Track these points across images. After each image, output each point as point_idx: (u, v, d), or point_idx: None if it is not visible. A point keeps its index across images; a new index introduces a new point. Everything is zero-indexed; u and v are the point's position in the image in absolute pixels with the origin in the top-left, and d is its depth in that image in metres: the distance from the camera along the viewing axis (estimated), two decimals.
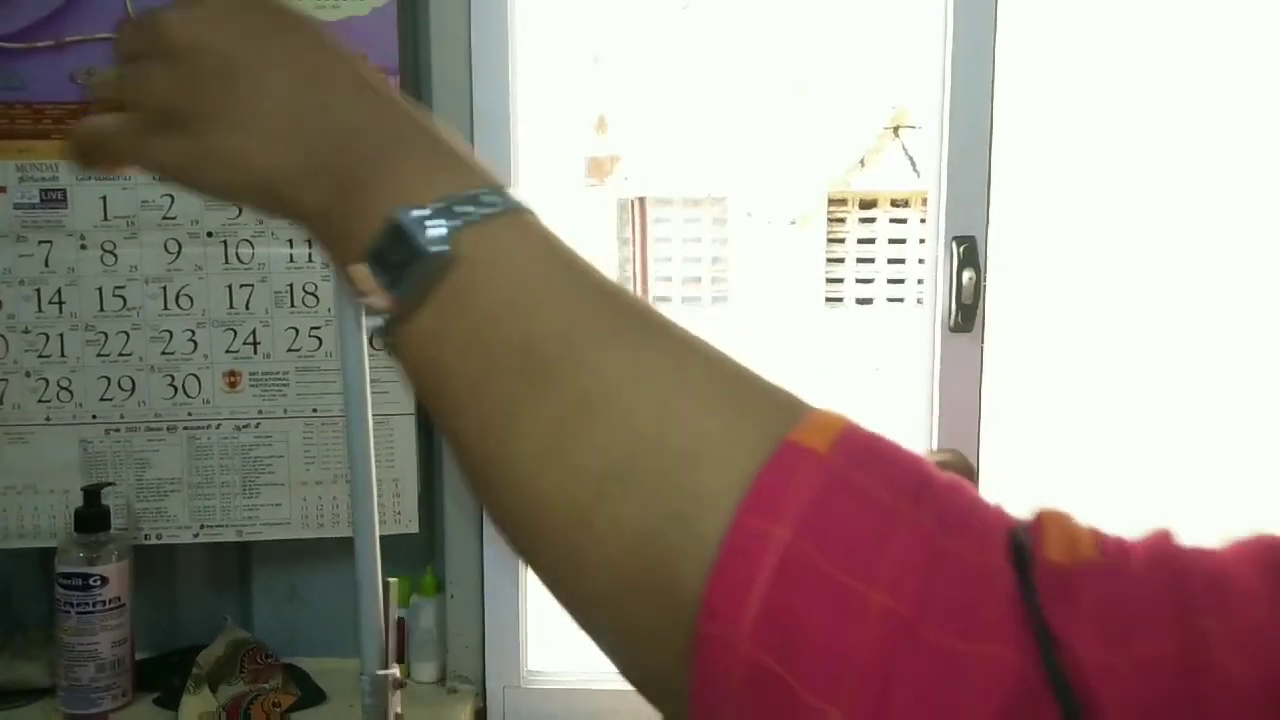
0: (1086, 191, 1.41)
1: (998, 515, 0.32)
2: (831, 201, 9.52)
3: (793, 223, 9.35)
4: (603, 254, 9.05)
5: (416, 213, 0.36)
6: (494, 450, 0.35)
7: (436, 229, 0.36)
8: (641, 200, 5.72)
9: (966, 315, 1.41)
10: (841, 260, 9.56)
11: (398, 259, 0.36)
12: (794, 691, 0.28)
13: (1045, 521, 0.31)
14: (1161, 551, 0.29)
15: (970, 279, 1.40)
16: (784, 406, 0.34)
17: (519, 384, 0.35)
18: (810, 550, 0.29)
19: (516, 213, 0.38)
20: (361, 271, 0.37)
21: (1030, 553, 0.30)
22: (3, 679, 1.31)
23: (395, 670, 0.89)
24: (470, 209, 0.37)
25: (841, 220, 9.57)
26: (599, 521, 0.33)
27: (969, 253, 1.40)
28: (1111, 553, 0.30)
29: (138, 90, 0.42)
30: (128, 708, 1.29)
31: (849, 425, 0.33)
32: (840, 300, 9.56)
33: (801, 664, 0.28)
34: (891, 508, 0.30)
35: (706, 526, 0.31)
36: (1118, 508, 1.47)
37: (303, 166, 0.39)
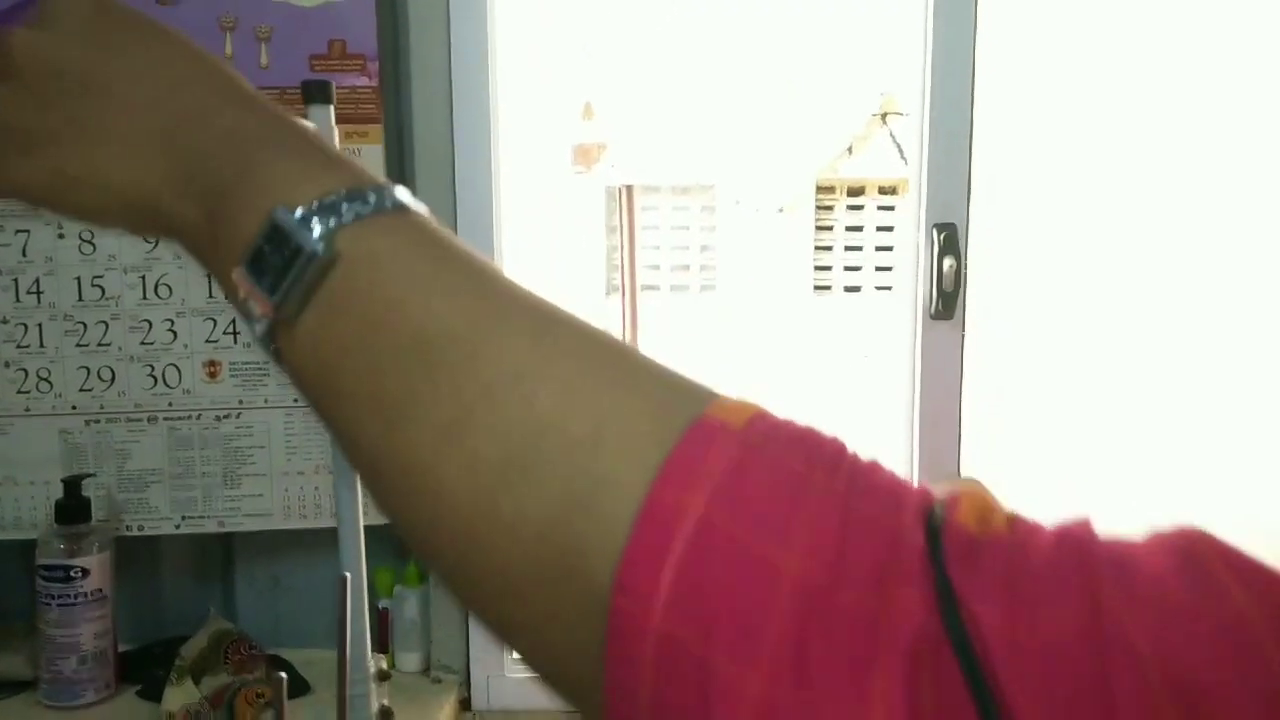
0: (1069, 179, 1.41)
1: (919, 491, 0.32)
2: (819, 189, 9.51)
3: (780, 210, 9.34)
4: (590, 241, 9.03)
5: (295, 212, 0.36)
6: (390, 447, 0.35)
7: (315, 228, 0.35)
8: (629, 188, 5.71)
9: (947, 303, 1.42)
10: (829, 248, 9.56)
11: (277, 261, 0.35)
12: (709, 662, 0.28)
13: (962, 495, 0.32)
14: (1073, 534, 0.29)
15: (951, 266, 1.41)
16: (693, 393, 0.34)
17: (413, 378, 0.34)
18: (724, 518, 0.29)
19: (398, 210, 0.37)
20: (240, 277, 0.36)
21: (942, 520, 0.30)
22: None
23: (380, 661, 0.89)
24: (348, 206, 0.36)
25: (829, 208, 9.57)
26: (503, 510, 0.32)
27: (949, 240, 1.41)
28: (1021, 531, 0.30)
29: None
30: (110, 700, 1.29)
31: (762, 409, 0.33)
32: (828, 288, 9.57)
33: (717, 631, 0.28)
34: (805, 476, 0.30)
35: (615, 509, 0.31)
36: (1098, 493, 1.48)
37: (170, 177, 0.39)
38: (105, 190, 0.39)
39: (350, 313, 0.35)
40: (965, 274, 1.42)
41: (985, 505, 0.31)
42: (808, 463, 0.31)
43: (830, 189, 9.49)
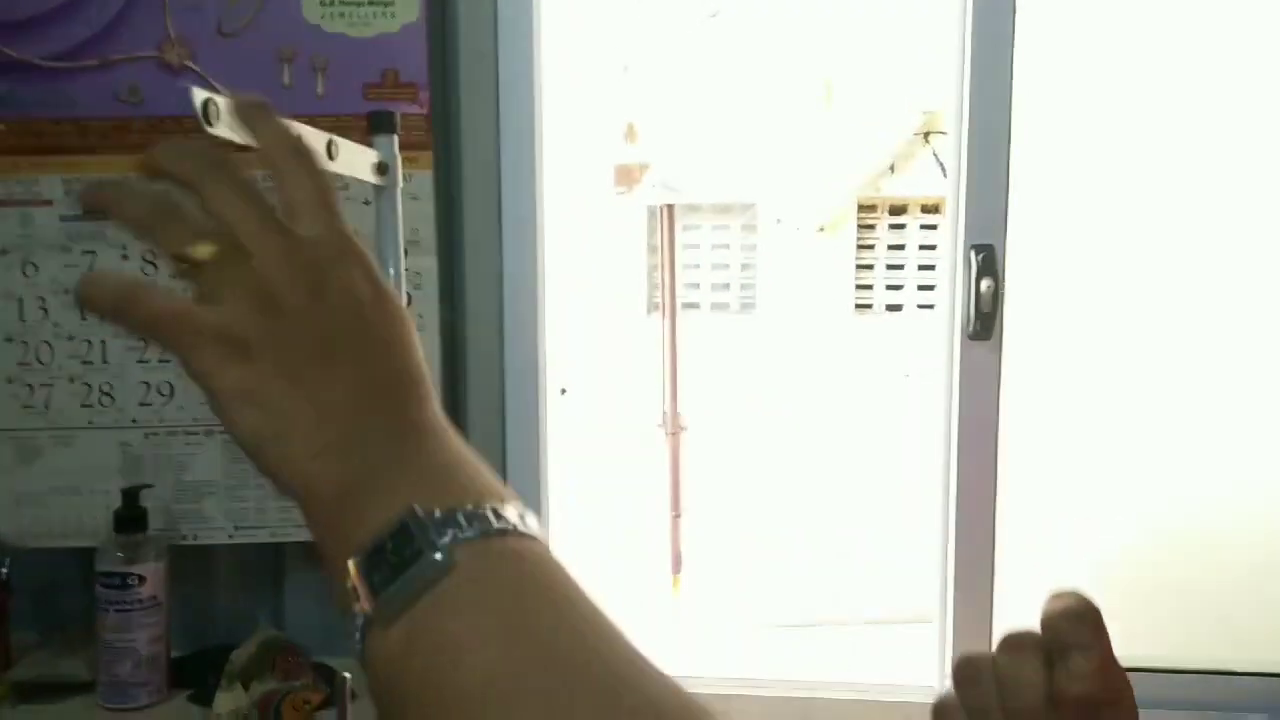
0: (1108, 201, 1.42)
1: None
2: (861, 208, 9.49)
3: (821, 229, 9.33)
4: (631, 260, 9.08)
5: (427, 520, 0.37)
6: None
7: (440, 541, 0.36)
8: (669, 207, 5.75)
9: (985, 323, 1.43)
10: (871, 267, 9.53)
11: (393, 563, 0.36)
12: None
13: None
14: None
15: (989, 287, 1.42)
16: None
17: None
18: None
19: (519, 535, 0.38)
20: (355, 567, 0.37)
21: None
22: (45, 674, 1.36)
23: None
24: (476, 523, 0.37)
25: (871, 226, 9.55)
26: None
27: (987, 261, 1.42)
28: None
29: (266, 269, 0.40)
30: (163, 704, 1.34)
31: None
32: (870, 307, 9.53)
33: None
34: None
35: None
36: (1135, 514, 1.48)
37: (339, 442, 0.40)
38: (280, 426, 0.40)
39: (433, 635, 0.36)
40: (1003, 295, 1.43)
41: None
42: None
43: (872, 207, 9.46)
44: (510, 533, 0.37)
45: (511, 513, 0.38)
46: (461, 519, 0.37)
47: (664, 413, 5.50)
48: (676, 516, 5.18)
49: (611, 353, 8.24)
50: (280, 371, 0.40)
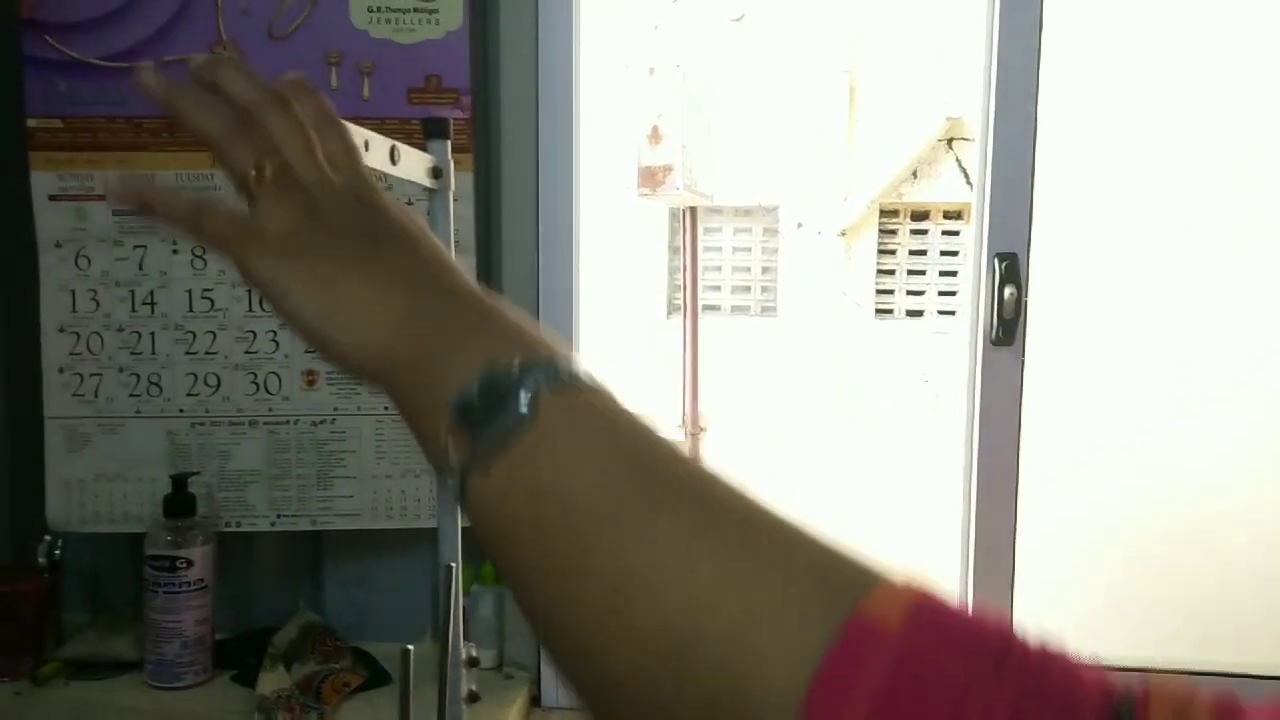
0: (1133, 209, 1.44)
1: (1098, 688, 0.30)
2: (883, 213, 9.49)
3: (843, 234, 9.34)
4: (653, 262, 9.12)
5: (509, 369, 0.39)
6: (558, 610, 0.37)
7: (523, 389, 0.38)
8: (693, 210, 5.78)
9: (1007, 330, 1.46)
10: (892, 272, 9.53)
11: (483, 412, 0.39)
12: None
13: (1153, 695, 0.29)
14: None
15: (1011, 295, 1.45)
16: (853, 576, 0.34)
17: (581, 553, 0.36)
18: None
19: (592, 388, 0.40)
20: (450, 418, 0.39)
21: None
22: (95, 652, 1.41)
23: (470, 649, 0.96)
24: (549, 373, 0.39)
25: (893, 232, 9.55)
26: (663, 691, 0.33)
27: (1011, 269, 1.45)
28: None
29: (311, 185, 0.47)
30: (208, 683, 1.39)
31: (921, 597, 0.33)
32: (890, 312, 9.53)
33: None
34: (967, 687, 0.30)
35: (774, 703, 0.31)
36: (1159, 518, 1.51)
37: (407, 311, 0.43)
38: (349, 307, 0.44)
39: (529, 475, 0.38)
40: (1026, 302, 1.46)
41: (1183, 704, 0.29)
42: (969, 667, 0.30)
43: (894, 213, 9.47)
44: (583, 382, 0.40)
45: (581, 365, 0.41)
46: (540, 368, 0.39)
47: (684, 414, 5.53)
48: None
49: (633, 354, 8.28)
50: (334, 259, 0.45)
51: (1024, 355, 1.46)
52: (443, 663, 0.93)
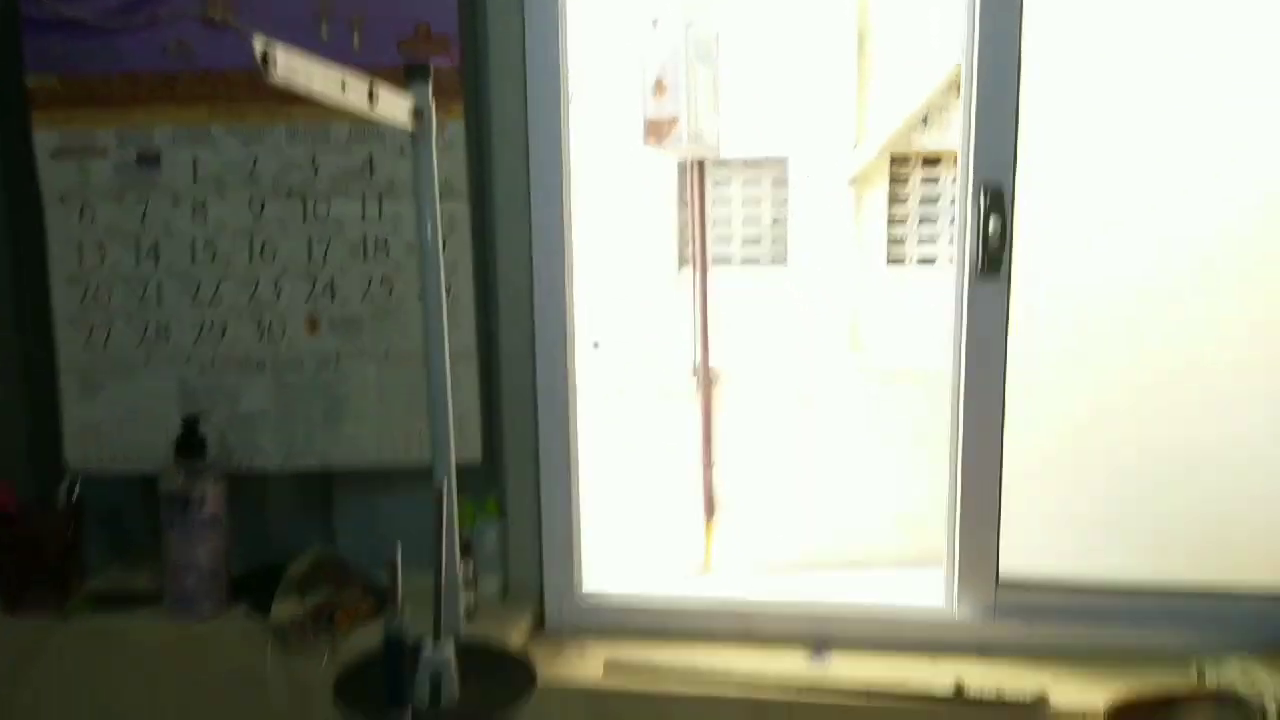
0: (1119, 141, 1.46)
1: None
2: (894, 160, 9.43)
3: (853, 182, 9.30)
4: (663, 215, 9.12)
5: None
6: None
7: None
8: (700, 162, 5.78)
9: (993, 260, 1.49)
10: (904, 220, 9.49)
11: None
12: None
13: None
14: None
15: (996, 225, 1.47)
16: None
17: None
18: None
19: None
20: None
21: None
22: (116, 587, 1.48)
23: (468, 569, 1.02)
24: None
25: (904, 179, 9.49)
26: None
27: (996, 200, 1.47)
28: None
29: None
30: (225, 615, 1.45)
31: None
32: (902, 260, 9.50)
33: None
34: None
35: None
36: (1136, 446, 1.54)
37: None
38: None
39: None
40: (1012, 233, 1.48)
41: None
42: None
43: (905, 160, 9.41)
44: None
45: None
46: None
47: (695, 365, 5.57)
48: (709, 466, 5.27)
49: (645, 307, 8.31)
50: None
51: (1010, 286, 1.48)
52: (437, 577, 0.98)
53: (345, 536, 1.58)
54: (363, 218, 1.50)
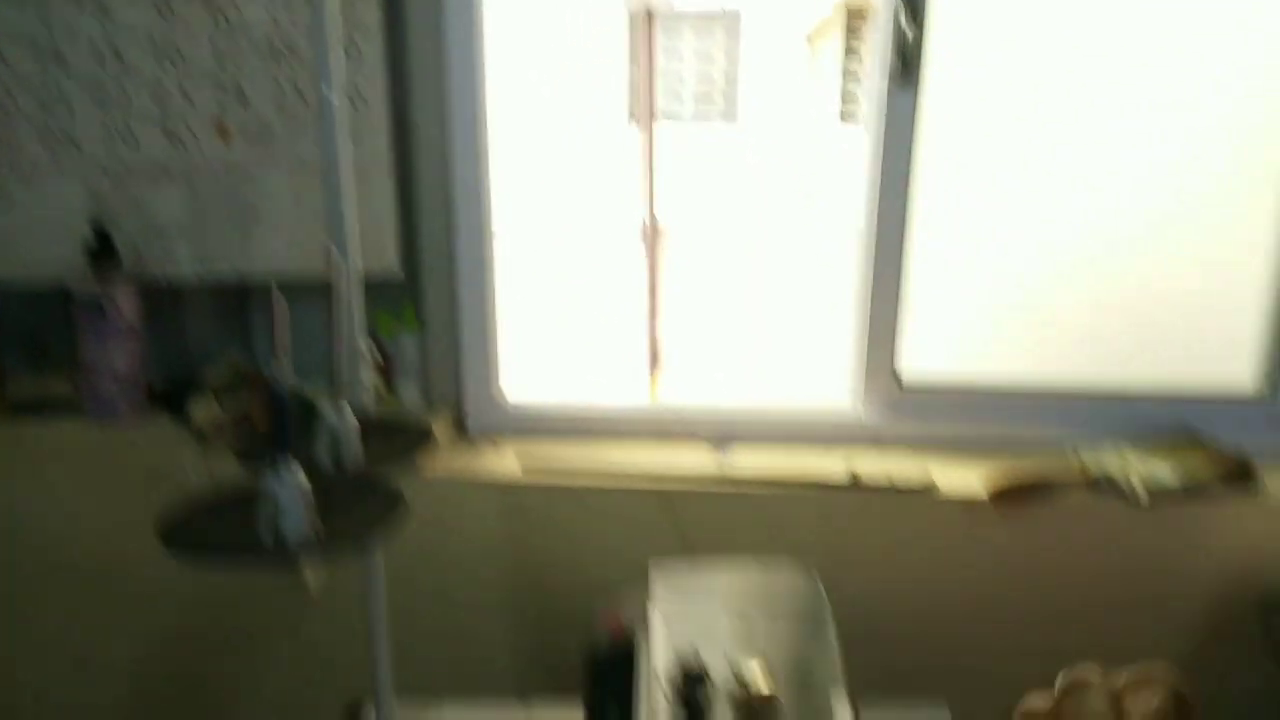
0: None
1: None
2: (850, 14, 9.24)
3: (808, 38, 9.13)
4: (613, 70, 8.91)
5: None
6: None
7: None
8: (649, 14, 5.64)
9: (908, 68, 1.49)
10: (858, 76, 9.36)
11: None
12: None
13: None
14: None
15: (914, 35, 1.48)
16: None
17: None
18: None
19: None
20: None
21: None
22: (34, 393, 1.49)
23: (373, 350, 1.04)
24: None
25: (861, 34, 9.32)
26: None
27: (913, 7, 1.47)
28: None
29: None
30: (145, 422, 1.47)
31: None
32: (855, 118, 9.41)
33: None
34: None
35: None
36: (1038, 251, 1.58)
37: None
38: None
39: None
40: (924, 42, 1.49)
41: None
42: None
43: (860, 14, 9.22)
44: None
45: None
46: None
47: (643, 218, 5.57)
48: (654, 318, 5.33)
49: (595, 160, 8.21)
50: None
51: (918, 93, 1.50)
52: (334, 342, 1.00)
53: (261, 346, 1.60)
54: (274, 21, 1.46)
